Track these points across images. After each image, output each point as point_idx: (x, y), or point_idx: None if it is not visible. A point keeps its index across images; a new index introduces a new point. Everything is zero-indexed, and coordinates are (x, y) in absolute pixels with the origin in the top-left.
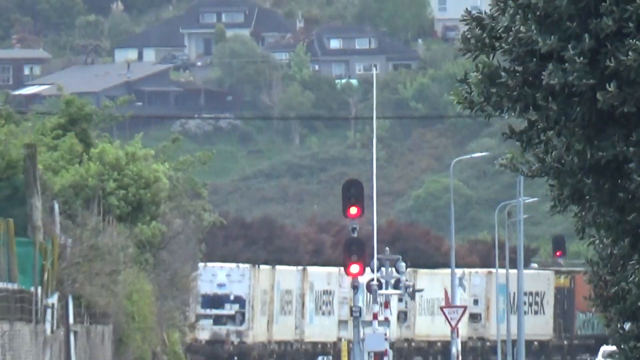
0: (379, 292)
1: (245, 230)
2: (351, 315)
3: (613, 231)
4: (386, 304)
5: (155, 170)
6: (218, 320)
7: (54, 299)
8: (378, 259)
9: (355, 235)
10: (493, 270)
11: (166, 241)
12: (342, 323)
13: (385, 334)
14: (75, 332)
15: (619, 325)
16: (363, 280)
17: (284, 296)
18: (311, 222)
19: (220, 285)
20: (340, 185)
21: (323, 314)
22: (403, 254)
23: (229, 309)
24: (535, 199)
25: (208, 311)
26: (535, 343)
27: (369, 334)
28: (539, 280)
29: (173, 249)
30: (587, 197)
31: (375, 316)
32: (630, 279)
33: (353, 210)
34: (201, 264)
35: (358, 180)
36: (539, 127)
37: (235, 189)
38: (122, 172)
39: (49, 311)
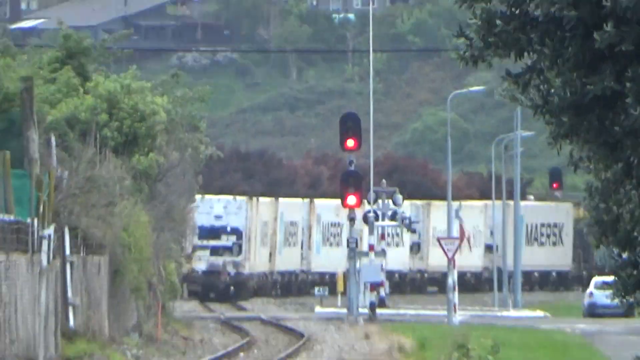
0: (376, 223)
1: (242, 162)
2: (347, 246)
3: (607, 160)
4: (382, 236)
5: (152, 102)
6: (215, 251)
7: (50, 230)
8: (375, 191)
9: (352, 167)
10: (509, 202)
11: (163, 173)
12: None
13: (382, 265)
14: (72, 263)
15: (615, 252)
16: (361, 212)
17: (288, 228)
18: (308, 154)
19: (218, 217)
20: (337, 119)
21: (331, 245)
22: (400, 186)
23: (226, 240)
24: (532, 132)
25: (205, 242)
26: (554, 273)
27: (364, 264)
28: (558, 212)
29: (170, 181)
30: (571, 134)
31: (371, 248)
32: (624, 204)
33: (350, 142)
34: (198, 196)
35: (355, 114)
36: (538, 67)
37: (233, 122)
38: (117, 105)
39: (45, 242)
